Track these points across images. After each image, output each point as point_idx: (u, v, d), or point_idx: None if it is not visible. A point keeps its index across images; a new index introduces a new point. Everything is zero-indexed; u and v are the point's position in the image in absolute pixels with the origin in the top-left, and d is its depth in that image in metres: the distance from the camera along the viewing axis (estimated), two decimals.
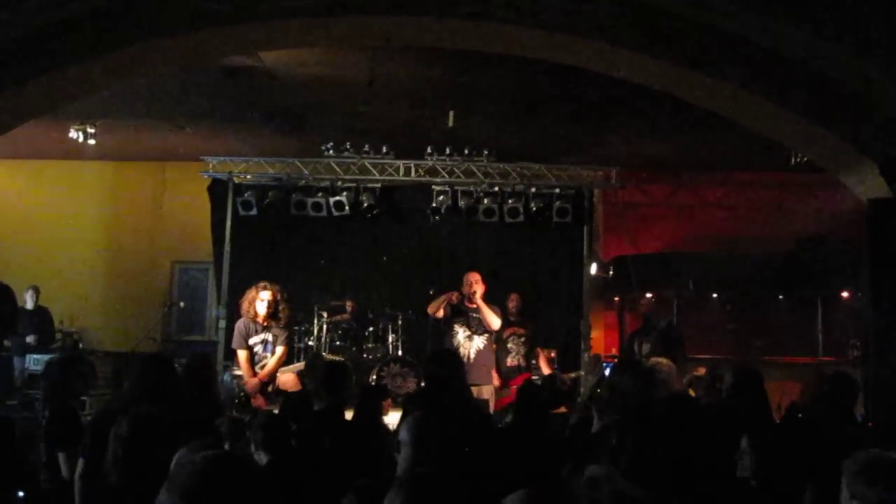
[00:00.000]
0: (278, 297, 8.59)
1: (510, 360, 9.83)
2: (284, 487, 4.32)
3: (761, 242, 13.02)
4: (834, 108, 7.69)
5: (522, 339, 9.88)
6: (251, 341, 8.53)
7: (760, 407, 5.54)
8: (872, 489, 2.90)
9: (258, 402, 8.17)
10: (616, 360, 8.08)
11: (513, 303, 10.06)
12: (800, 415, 6.18)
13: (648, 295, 12.64)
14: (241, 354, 8.51)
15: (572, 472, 3.66)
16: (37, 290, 11.71)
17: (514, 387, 8.21)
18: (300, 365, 9.54)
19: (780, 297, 13.13)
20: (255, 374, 8.43)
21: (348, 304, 11.85)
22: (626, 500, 3.05)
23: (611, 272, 13.25)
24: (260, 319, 8.51)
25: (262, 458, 4.75)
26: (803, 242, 12.78)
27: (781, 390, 9.73)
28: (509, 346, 9.86)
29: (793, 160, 10.69)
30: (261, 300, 8.49)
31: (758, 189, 13.68)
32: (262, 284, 8.66)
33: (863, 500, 2.92)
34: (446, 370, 6.23)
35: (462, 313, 9.22)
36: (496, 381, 9.37)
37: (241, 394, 8.30)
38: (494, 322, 9.08)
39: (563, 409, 6.37)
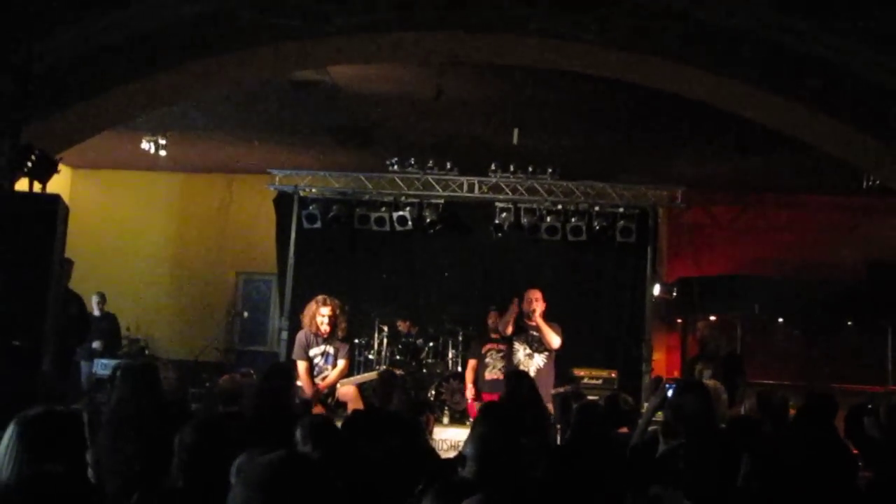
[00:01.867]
0: (337, 311, 8.70)
1: (488, 374, 10.15)
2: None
3: (831, 267, 12.78)
4: None
5: (501, 354, 10.02)
6: (311, 352, 8.65)
7: (829, 434, 5.44)
8: None
9: (317, 410, 8.24)
10: (678, 381, 7.96)
11: (492, 320, 10.28)
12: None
13: (711, 318, 12.49)
14: (301, 365, 8.60)
15: (636, 496, 3.62)
16: (103, 297, 11.94)
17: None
18: (361, 377, 9.56)
19: (850, 323, 12.85)
20: (314, 385, 8.50)
21: (401, 324, 11.88)
22: None
23: (674, 294, 13.09)
24: (321, 333, 8.61)
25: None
26: (874, 268, 12.51)
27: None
28: (487, 360, 10.19)
29: (865, 183, 10.48)
30: (321, 315, 8.60)
31: (828, 212, 13.41)
32: (321, 299, 8.77)
33: None
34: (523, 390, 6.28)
35: (522, 331, 9.20)
36: (470, 394, 9.88)
37: (299, 403, 8.37)
38: (555, 341, 9.04)
39: (624, 430, 6.30)
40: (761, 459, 3.76)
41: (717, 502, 3.16)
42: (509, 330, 9.26)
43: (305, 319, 8.78)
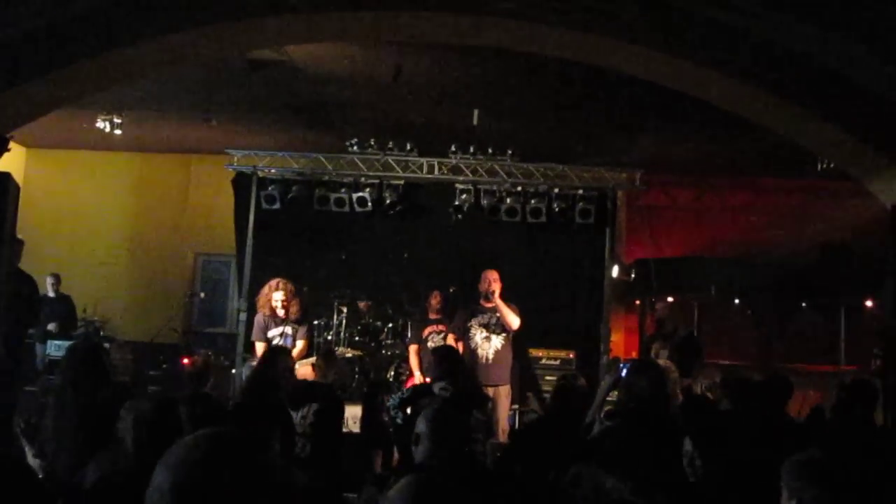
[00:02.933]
0: (290, 294, 8.76)
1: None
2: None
3: (785, 249, 12.94)
4: (861, 113, 7.62)
5: (441, 336, 9.94)
6: (270, 334, 8.71)
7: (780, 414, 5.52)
8: (805, 485, 2.95)
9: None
10: (632, 361, 8.06)
11: (435, 300, 10.18)
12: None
13: (669, 300, 12.60)
14: (260, 347, 8.61)
15: (557, 473, 3.65)
16: (57, 278, 11.79)
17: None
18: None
19: (803, 304, 13.04)
20: None
21: (361, 305, 11.86)
22: (608, 492, 3.04)
23: (632, 275, 13.20)
24: (277, 315, 8.67)
25: None
26: (827, 250, 12.69)
27: (802, 398, 9.66)
28: (429, 343, 9.92)
29: (819, 166, 10.61)
30: (275, 300, 8.70)
31: (783, 195, 13.58)
32: (275, 283, 8.85)
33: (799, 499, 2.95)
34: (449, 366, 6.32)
35: (478, 313, 9.17)
36: (418, 380, 9.51)
37: None
38: (514, 321, 9.02)
39: None
40: (705, 439, 3.81)
41: (646, 482, 3.19)
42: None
43: (260, 302, 8.87)
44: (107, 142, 12.47)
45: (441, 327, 9.99)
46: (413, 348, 10.20)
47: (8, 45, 7.30)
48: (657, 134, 11.69)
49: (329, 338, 11.53)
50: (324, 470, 5.68)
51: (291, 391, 5.35)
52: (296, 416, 5.82)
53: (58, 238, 13.76)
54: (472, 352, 9.04)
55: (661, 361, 6.44)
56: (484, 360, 8.95)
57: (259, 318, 8.87)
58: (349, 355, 10.99)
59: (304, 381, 6.98)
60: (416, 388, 6.51)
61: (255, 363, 8.63)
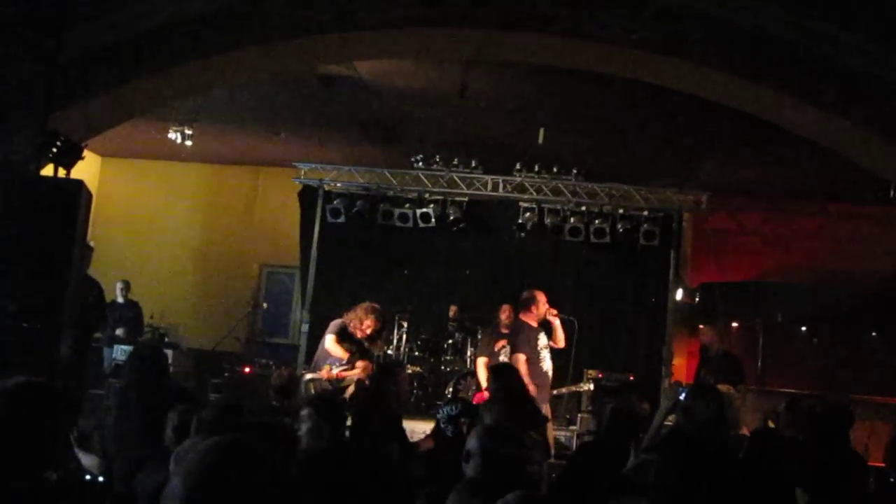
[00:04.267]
0: (384, 325, 8.78)
1: None
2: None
3: (855, 277, 12.68)
4: None
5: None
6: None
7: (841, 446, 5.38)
8: None
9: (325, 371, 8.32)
10: (691, 386, 7.92)
11: (505, 314, 9.99)
12: None
13: (734, 324, 12.43)
14: (331, 337, 8.66)
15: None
16: (127, 285, 12.04)
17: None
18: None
19: (873, 333, 12.73)
20: (330, 370, 8.55)
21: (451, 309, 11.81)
22: None
23: (697, 299, 13.02)
24: (359, 334, 8.68)
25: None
26: None
27: (870, 430, 9.42)
28: (501, 357, 9.71)
29: (892, 192, 10.36)
30: (368, 323, 8.66)
31: (854, 221, 13.28)
32: (375, 308, 8.79)
33: None
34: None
35: (543, 331, 9.06)
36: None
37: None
38: (562, 340, 9.01)
39: None
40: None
41: None
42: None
43: (351, 315, 8.80)
44: (178, 152, 12.72)
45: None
46: (482, 361, 10.00)
47: (85, 58, 7.51)
48: (725, 156, 11.54)
49: (389, 352, 11.57)
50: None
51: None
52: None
53: (128, 245, 14.04)
54: (543, 373, 8.91)
55: (721, 387, 6.32)
56: (547, 379, 8.86)
57: (340, 322, 8.83)
58: (409, 371, 10.99)
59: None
60: (466, 404, 6.48)
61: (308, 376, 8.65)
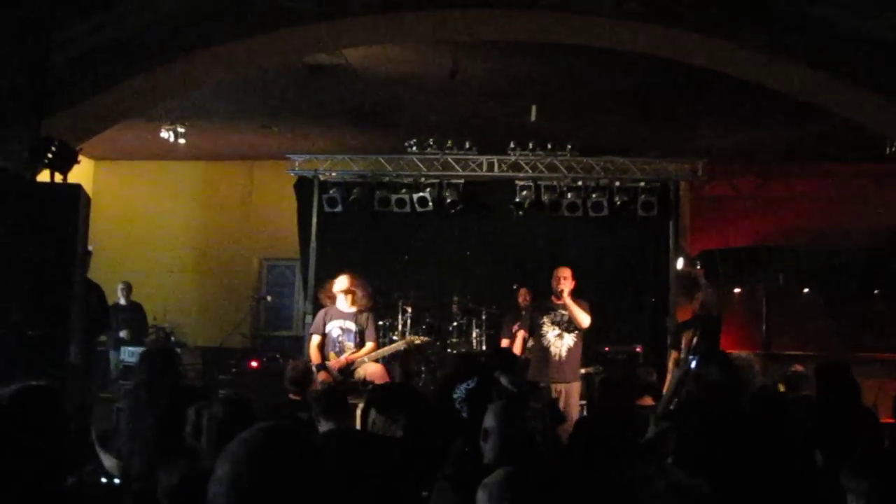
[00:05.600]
0: (353, 284, 8.68)
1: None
2: (342, 456, 4.32)
3: (855, 235, 12.66)
4: None
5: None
6: (328, 327, 8.63)
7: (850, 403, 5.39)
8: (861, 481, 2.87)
9: (322, 377, 8.23)
10: (702, 353, 7.90)
11: (521, 297, 10.05)
12: None
13: (736, 290, 12.41)
14: (313, 339, 8.65)
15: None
16: (128, 287, 12.05)
17: None
18: (385, 350, 9.47)
19: (876, 291, 12.73)
20: (323, 359, 8.50)
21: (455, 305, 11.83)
22: (685, 492, 2.99)
23: (698, 266, 13.02)
24: (345, 304, 8.64)
25: (323, 427, 4.83)
26: None
27: (878, 388, 9.43)
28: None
29: (889, 149, 10.36)
30: (336, 288, 8.67)
31: (851, 180, 13.26)
32: (339, 274, 8.82)
33: (856, 494, 2.87)
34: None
35: (550, 310, 9.03)
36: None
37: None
38: (585, 320, 8.81)
39: (648, 401, 6.31)
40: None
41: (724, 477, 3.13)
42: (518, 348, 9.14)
43: (323, 295, 8.84)
44: (171, 151, 12.70)
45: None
46: (505, 342, 10.19)
47: (73, 61, 7.49)
48: (718, 122, 11.53)
49: (394, 338, 11.57)
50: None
51: (381, 396, 5.35)
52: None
53: (127, 247, 14.02)
54: (544, 349, 8.86)
55: (742, 353, 6.37)
56: (557, 358, 8.79)
57: (321, 312, 8.84)
58: (418, 342, 10.95)
59: (393, 386, 7.04)
60: (483, 380, 6.47)
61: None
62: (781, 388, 7.39)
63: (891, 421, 6.65)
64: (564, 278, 8.86)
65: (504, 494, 2.20)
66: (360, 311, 8.66)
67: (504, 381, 6.12)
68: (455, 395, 6.06)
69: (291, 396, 6.65)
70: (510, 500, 2.24)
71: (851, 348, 11.66)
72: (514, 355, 7.15)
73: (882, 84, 7.56)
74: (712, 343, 9.15)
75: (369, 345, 8.65)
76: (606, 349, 11.18)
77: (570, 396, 8.74)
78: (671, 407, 5.22)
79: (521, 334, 9.35)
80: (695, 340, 9.34)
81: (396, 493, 4.29)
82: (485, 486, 2.31)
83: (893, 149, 10.19)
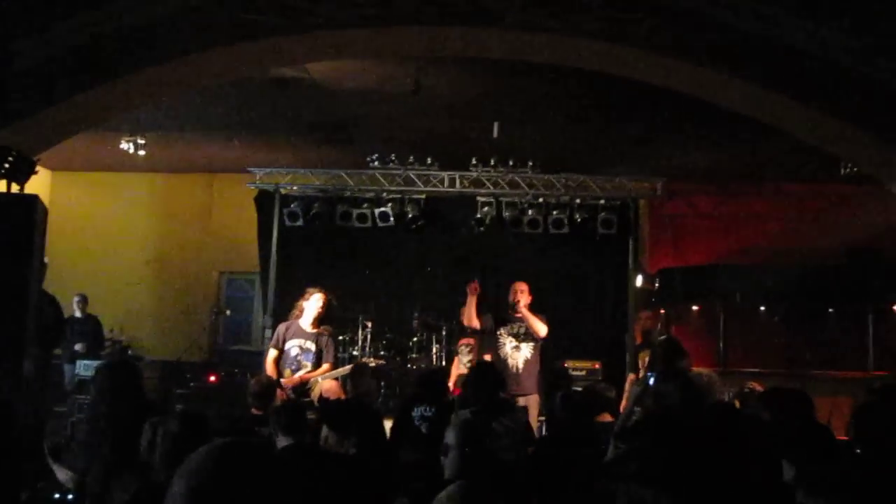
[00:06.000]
0: (330, 300, 8.64)
1: (456, 370, 10.27)
2: (300, 472, 4.30)
3: (811, 254, 12.85)
4: (884, 115, 7.58)
5: (468, 349, 10.25)
6: (287, 344, 8.54)
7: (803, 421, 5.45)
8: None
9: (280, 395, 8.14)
10: (661, 371, 7.97)
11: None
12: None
13: (693, 307, 12.54)
14: (271, 353, 8.57)
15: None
16: (84, 299, 11.90)
17: None
18: (340, 371, 9.48)
19: (830, 310, 12.92)
20: (279, 375, 8.43)
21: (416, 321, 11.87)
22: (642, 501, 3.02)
23: (657, 284, 13.14)
24: (308, 323, 8.55)
25: (282, 442, 4.82)
26: (854, 254, 12.59)
27: (832, 405, 9.55)
28: (460, 355, 10.29)
29: (842, 170, 10.55)
30: (309, 308, 8.54)
31: (807, 200, 13.48)
32: (311, 289, 8.72)
33: None
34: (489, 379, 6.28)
35: (507, 322, 9.19)
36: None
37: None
38: (542, 329, 9.05)
39: (607, 418, 6.35)
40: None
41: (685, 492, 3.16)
42: (475, 323, 9.23)
43: (295, 310, 8.74)
44: (130, 163, 12.59)
45: (470, 340, 10.04)
46: (455, 359, 10.45)
47: (33, 71, 7.40)
48: (677, 142, 11.66)
49: (355, 353, 11.55)
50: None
51: (334, 413, 5.34)
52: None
53: (83, 259, 13.86)
54: (502, 361, 9.06)
55: (703, 370, 6.43)
56: (514, 370, 8.95)
57: (281, 327, 8.75)
58: (372, 364, 10.96)
59: (346, 403, 7.02)
60: (442, 405, 6.49)
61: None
62: (737, 405, 7.44)
63: (843, 438, 6.74)
64: (521, 291, 9.11)
65: None
66: (321, 333, 8.62)
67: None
68: (414, 414, 6.08)
69: (253, 411, 6.60)
70: None
71: (806, 365, 11.82)
72: (437, 383, 7.26)
73: (836, 105, 7.69)
74: (671, 361, 9.26)
75: (325, 366, 8.60)
76: (565, 364, 11.24)
77: (530, 409, 8.82)
78: (628, 424, 5.23)
79: (487, 356, 9.48)
80: (647, 360, 9.50)
81: None
82: (438, 500, 2.29)
83: (847, 170, 10.39)
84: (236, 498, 1.67)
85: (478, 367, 7.15)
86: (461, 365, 10.14)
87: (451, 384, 10.26)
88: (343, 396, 8.56)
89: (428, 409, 6.28)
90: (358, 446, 4.65)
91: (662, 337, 10.23)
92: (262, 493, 1.69)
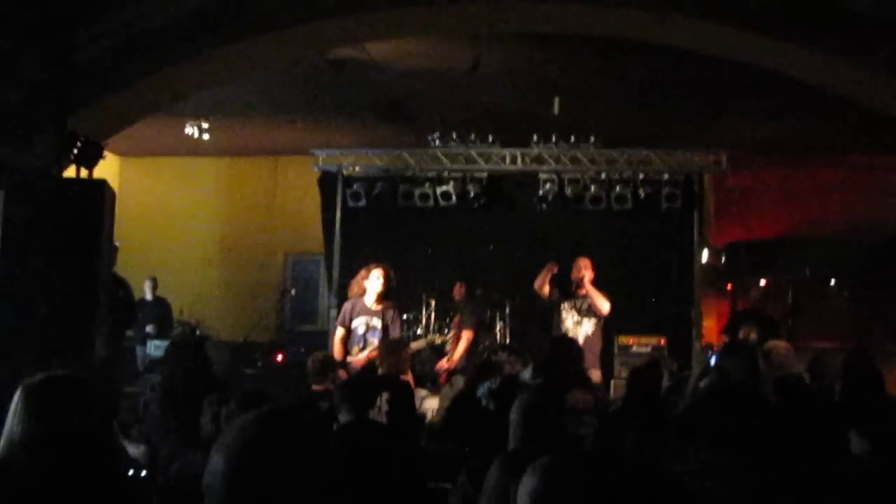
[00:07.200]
0: (390, 274, 8.64)
1: None
2: (359, 447, 4.33)
3: (881, 227, 12.54)
4: None
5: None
6: (354, 323, 8.57)
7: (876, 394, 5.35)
8: None
9: (342, 375, 8.17)
10: (724, 345, 7.91)
11: (457, 292, 10.66)
12: None
13: (761, 282, 12.34)
14: (338, 332, 8.61)
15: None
16: (154, 282, 12.15)
17: None
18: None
19: None
20: (346, 354, 8.49)
21: (456, 290, 11.84)
22: (719, 469, 2.98)
23: (723, 259, 12.96)
24: (372, 300, 8.56)
25: (344, 418, 4.87)
26: None
27: None
28: None
29: None
30: (371, 283, 8.55)
31: (877, 171, 13.14)
32: (371, 265, 8.73)
33: None
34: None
35: (570, 297, 9.21)
36: None
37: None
38: (604, 306, 9.08)
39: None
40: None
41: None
42: (545, 290, 9.29)
43: (353, 286, 8.77)
44: (196, 147, 12.78)
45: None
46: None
47: (99, 57, 7.55)
48: (742, 114, 11.47)
49: (419, 332, 11.59)
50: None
51: (357, 387, 5.38)
52: (372, 411, 5.85)
53: (152, 243, 14.13)
54: (563, 335, 9.10)
55: (779, 344, 6.39)
56: None
57: (347, 305, 8.76)
58: (438, 342, 11.00)
59: (368, 376, 7.12)
60: (505, 379, 6.51)
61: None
62: (806, 379, 7.33)
63: None
64: (585, 267, 9.18)
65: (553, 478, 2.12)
66: (386, 308, 8.62)
67: (526, 375, 6.17)
68: (479, 393, 6.10)
69: (314, 387, 6.69)
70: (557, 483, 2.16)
71: (878, 340, 11.57)
72: (492, 365, 7.31)
73: None
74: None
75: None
76: (630, 341, 11.16)
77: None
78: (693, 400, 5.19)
79: (466, 335, 9.70)
80: (752, 336, 9.44)
81: (412, 484, 4.32)
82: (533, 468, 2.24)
83: None
84: (275, 469, 1.64)
85: (555, 341, 7.20)
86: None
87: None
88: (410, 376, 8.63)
89: (493, 382, 6.27)
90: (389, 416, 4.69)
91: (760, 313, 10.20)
92: (303, 464, 1.66)
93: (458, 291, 10.70)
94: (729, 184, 13.21)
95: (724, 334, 10.11)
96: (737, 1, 7.37)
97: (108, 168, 10.95)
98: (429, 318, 11.66)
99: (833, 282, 12.83)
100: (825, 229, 12.87)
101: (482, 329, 10.84)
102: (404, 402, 6.46)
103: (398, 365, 7.15)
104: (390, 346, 7.64)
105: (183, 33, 7.67)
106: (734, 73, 8.98)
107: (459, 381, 8.16)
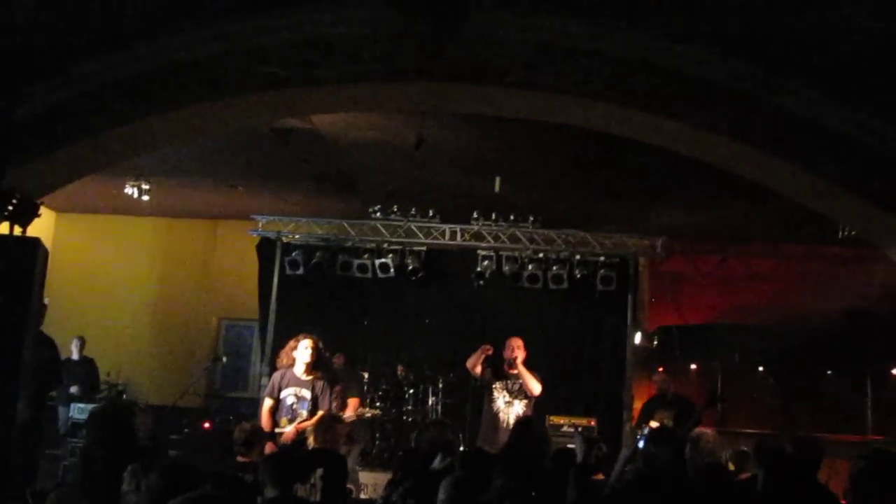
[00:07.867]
0: (319, 345, 8.58)
1: None
2: None
3: (809, 316, 12.84)
4: (881, 182, 7.65)
5: None
6: (283, 393, 8.42)
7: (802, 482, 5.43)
8: None
9: (269, 447, 8.02)
10: (651, 431, 7.99)
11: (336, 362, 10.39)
12: None
13: (692, 367, 12.51)
14: (266, 402, 8.48)
15: None
16: (82, 341, 11.91)
17: None
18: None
19: (829, 372, 12.90)
20: (274, 425, 8.37)
21: (399, 369, 11.86)
22: None
23: (655, 342, 13.14)
24: (301, 371, 8.49)
25: (269, 493, 4.81)
26: (853, 317, 12.59)
27: (829, 468, 9.49)
28: None
29: (840, 233, 10.60)
30: (299, 353, 8.48)
31: (807, 262, 13.51)
32: (302, 336, 8.66)
33: None
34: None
35: (502, 377, 9.25)
36: None
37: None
38: (535, 387, 9.14)
39: (600, 476, 6.34)
40: None
41: None
42: (477, 370, 9.34)
43: (281, 357, 8.68)
44: (134, 207, 12.68)
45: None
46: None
47: (39, 114, 7.49)
48: (679, 201, 11.73)
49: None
50: None
51: (283, 462, 5.31)
52: (304, 486, 5.79)
53: (83, 301, 13.89)
54: (493, 416, 9.20)
55: (706, 430, 6.50)
56: (504, 425, 9.06)
57: (276, 375, 8.62)
58: (368, 415, 10.92)
59: (300, 450, 7.05)
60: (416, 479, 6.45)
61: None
62: (731, 467, 7.42)
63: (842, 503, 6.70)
64: (517, 347, 9.23)
65: None
66: (316, 379, 8.55)
67: (436, 462, 6.16)
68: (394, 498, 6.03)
69: (239, 458, 6.58)
70: None
71: (805, 427, 11.76)
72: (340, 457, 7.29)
73: (834, 171, 7.74)
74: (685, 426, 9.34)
75: (320, 413, 8.51)
76: (561, 421, 11.20)
77: None
78: (619, 485, 5.23)
79: (352, 402, 9.89)
80: (665, 422, 9.55)
81: None
82: None
83: (845, 233, 10.44)
84: None
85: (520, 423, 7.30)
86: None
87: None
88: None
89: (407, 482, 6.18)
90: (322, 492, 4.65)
91: (671, 396, 10.31)
92: None
93: (338, 361, 10.58)
94: (663, 268, 13.46)
95: (638, 426, 10.21)
96: (675, 96, 7.58)
97: (42, 223, 10.78)
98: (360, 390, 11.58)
99: (761, 369, 13.05)
100: (756, 317, 13.13)
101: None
102: (338, 478, 6.38)
103: (333, 440, 7.09)
104: (327, 421, 7.57)
105: (127, 95, 7.65)
106: (671, 160, 9.19)
107: None
